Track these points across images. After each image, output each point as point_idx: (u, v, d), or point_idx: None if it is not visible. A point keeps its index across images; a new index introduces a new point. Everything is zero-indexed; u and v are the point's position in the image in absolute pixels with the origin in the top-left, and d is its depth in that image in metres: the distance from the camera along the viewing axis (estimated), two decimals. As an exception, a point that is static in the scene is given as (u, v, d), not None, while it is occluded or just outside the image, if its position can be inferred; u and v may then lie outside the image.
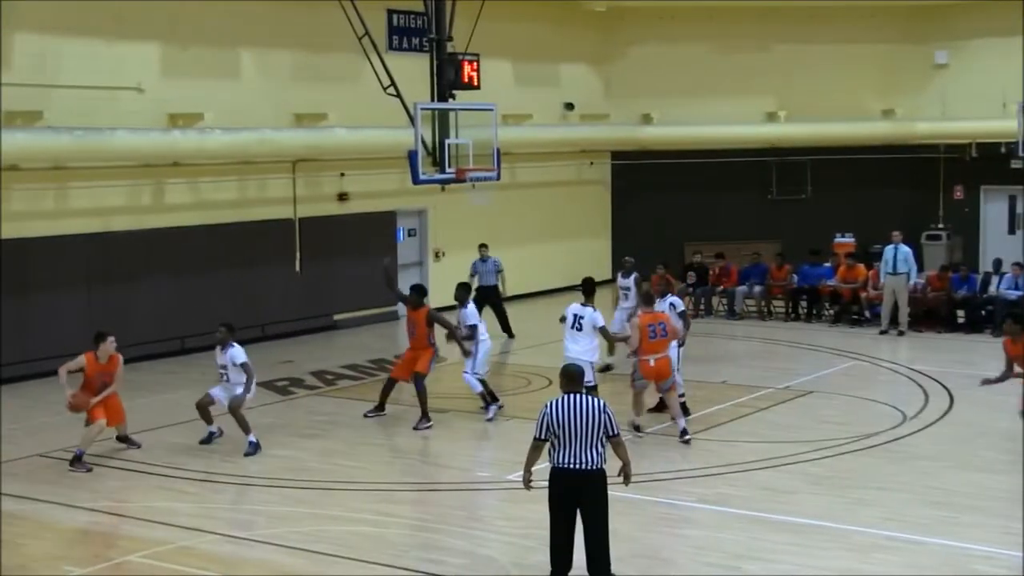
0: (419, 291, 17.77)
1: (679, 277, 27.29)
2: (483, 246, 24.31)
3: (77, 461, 14.95)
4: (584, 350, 16.34)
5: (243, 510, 13.27)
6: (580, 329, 16.50)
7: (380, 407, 17.64)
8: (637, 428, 16.20)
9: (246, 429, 15.72)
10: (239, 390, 15.80)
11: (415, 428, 16.86)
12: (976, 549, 11.77)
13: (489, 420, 17.24)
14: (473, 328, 17.55)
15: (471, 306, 17.99)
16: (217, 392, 16.07)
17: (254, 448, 15.56)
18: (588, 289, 17.52)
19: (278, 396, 19.32)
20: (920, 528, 12.42)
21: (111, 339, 15.53)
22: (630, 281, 20.73)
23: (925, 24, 32.39)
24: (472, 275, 23.82)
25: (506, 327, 24.31)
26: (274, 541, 12.26)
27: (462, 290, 18.05)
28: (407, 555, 11.87)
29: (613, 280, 21.37)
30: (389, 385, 17.73)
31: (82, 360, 15.45)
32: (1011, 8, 29.90)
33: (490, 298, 24.01)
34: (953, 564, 11.41)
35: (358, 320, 25.87)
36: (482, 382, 17.49)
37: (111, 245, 21.69)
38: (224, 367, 16.03)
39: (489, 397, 17.56)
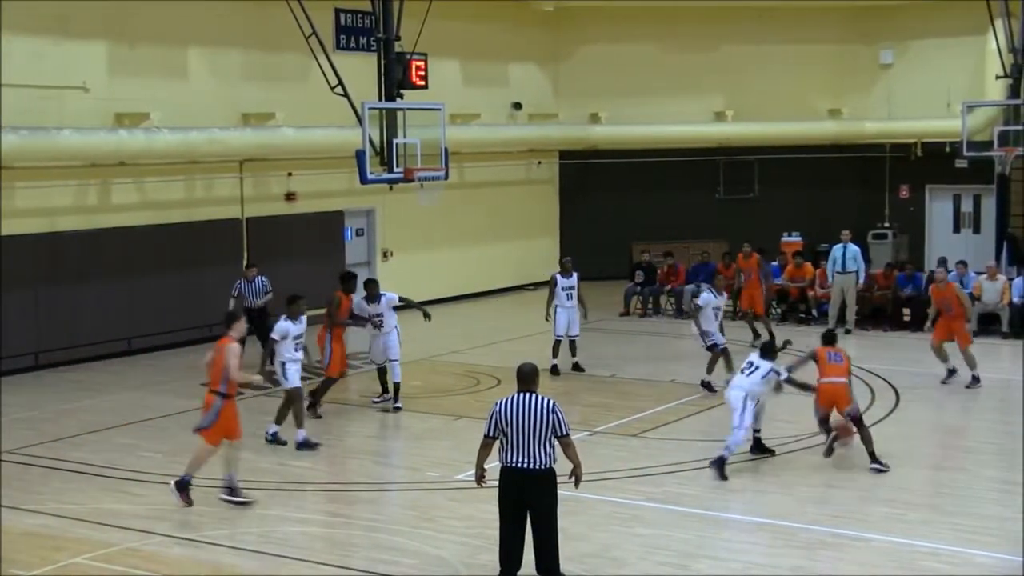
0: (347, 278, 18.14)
1: (627, 276, 27.44)
2: (251, 265, 21.80)
3: (184, 488, 13.14)
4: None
5: (192, 511, 13.16)
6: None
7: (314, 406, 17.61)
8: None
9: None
10: (393, 338, 17.86)
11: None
12: (923, 546, 11.89)
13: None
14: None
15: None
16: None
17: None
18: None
19: (226, 397, 19.16)
20: (868, 525, 12.53)
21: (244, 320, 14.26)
22: (573, 281, 20.69)
23: (871, 24, 32.67)
24: (235, 296, 21.17)
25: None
26: (223, 542, 12.18)
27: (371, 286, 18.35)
28: (357, 555, 11.84)
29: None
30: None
31: (239, 348, 13.56)
32: (955, 8, 30.22)
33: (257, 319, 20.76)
34: (901, 561, 11.53)
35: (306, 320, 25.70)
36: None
37: (57, 245, 21.46)
38: (380, 315, 17.86)
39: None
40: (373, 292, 18.10)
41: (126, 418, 17.59)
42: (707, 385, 18.84)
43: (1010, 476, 14.76)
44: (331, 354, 17.50)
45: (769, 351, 15.21)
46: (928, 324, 20.37)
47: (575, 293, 20.56)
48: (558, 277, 20.58)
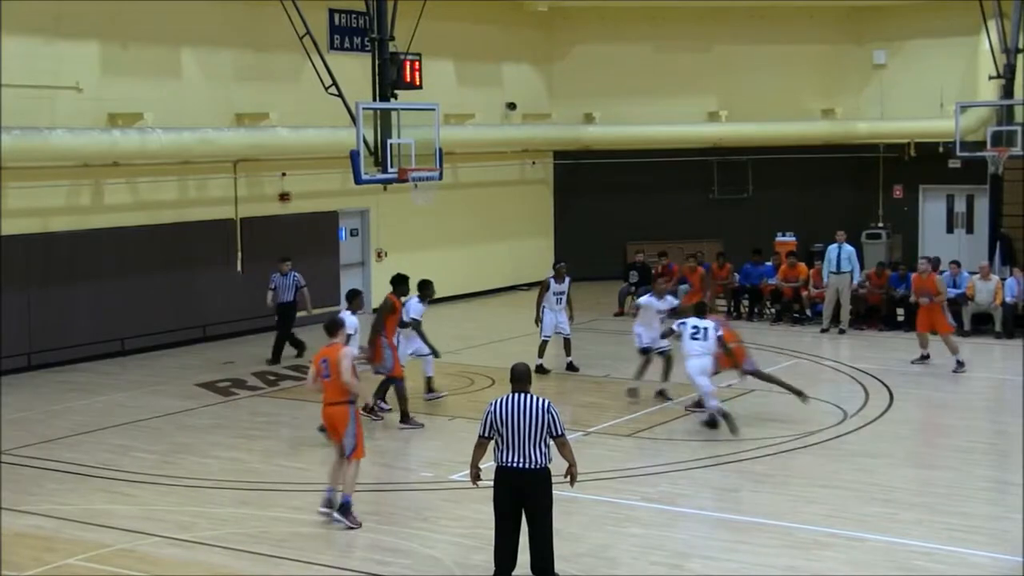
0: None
1: (622, 276, 27.44)
2: (285, 259, 22.26)
3: (348, 511, 12.59)
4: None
5: (185, 512, 13.15)
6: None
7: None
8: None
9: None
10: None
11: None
12: (917, 545, 11.90)
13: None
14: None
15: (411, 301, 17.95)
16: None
17: None
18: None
19: (220, 397, 19.18)
20: (861, 525, 12.54)
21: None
22: (564, 287, 20.49)
23: (864, 25, 32.72)
24: (271, 290, 22.10)
25: (289, 344, 22.33)
26: (217, 543, 12.17)
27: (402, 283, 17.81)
28: (351, 555, 11.84)
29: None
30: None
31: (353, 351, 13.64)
32: (948, 9, 30.27)
33: (286, 313, 22.20)
34: (894, 560, 11.53)
35: (300, 320, 25.67)
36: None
37: (50, 246, 21.43)
38: (561, 293, 19.68)
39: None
40: (357, 304, 17.59)
41: (119, 419, 17.56)
42: (662, 394, 18.40)
43: (1002, 475, 14.84)
44: (391, 354, 17.18)
45: (703, 310, 17.18)
46: (919, 301, 21.23)
47: (564, 298, 20.47)
48: (551, 282, 20.49)
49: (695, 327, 16.60)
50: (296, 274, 22.06)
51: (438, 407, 18.16)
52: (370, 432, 17.08)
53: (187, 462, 15.26)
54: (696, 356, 16.51)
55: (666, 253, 27.73)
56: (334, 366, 12.75)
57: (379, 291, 26.65)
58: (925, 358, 20.91)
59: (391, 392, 17.35)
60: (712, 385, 16.59)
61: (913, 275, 21.86)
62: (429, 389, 18.58)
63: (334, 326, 13.30)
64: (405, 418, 17.07)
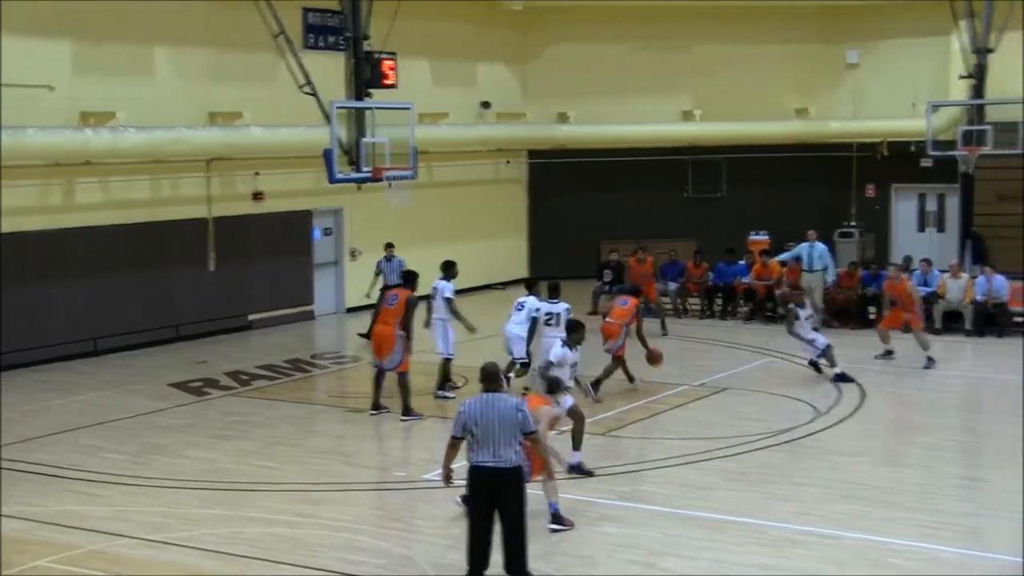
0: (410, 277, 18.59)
1: (596, 275, 27.42)
2: (389, 245, 23.96)
3: (560, 518, 12.45)
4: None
5: (157, 512, 13.10)
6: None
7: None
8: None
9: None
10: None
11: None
12: (889, 542, 11.95)
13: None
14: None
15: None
16: None
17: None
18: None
19: (192, 397, 19.11)
20: (834, 522, 12.59)
21: None
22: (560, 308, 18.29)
23: (837, 24, 32.83)
24: (377, 274, 23.66)
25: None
26: (189, 544, 12.12)
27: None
28: (324, 555, 11.80)
29: (524, 281, 21.07)
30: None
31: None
32: (920, 9, 30.40)
33: None
34: (867, 557, 11.58)
35: (273, 320, 25.67)
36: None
37: (22, 245, 21.30)
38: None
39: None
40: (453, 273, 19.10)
41: (92, 419, 17.48)
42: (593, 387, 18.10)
43: (972, 472, 14.95)
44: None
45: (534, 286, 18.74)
46: (885, 312, 21.70)
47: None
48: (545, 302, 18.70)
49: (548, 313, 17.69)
50: (400, 259, 23.05)
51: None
52: (345, 432, 17.08)
53: (159, 462, 15.20)
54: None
55: (645, 248, 27.30)
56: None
57: (352, 290, 26.81)
58: (889, 354, 21.13)
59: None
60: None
61: (885, 282, 22.00)
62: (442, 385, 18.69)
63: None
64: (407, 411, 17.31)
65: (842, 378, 19.28)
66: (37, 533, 12.51)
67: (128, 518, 12.93)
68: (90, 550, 11.92)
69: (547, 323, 17.67)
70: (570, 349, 14.97)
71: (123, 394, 19.27)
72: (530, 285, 19.32)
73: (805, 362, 20.13)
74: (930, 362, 20.49)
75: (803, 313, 19.80)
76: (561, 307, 17.75)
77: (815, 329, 19.91)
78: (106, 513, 13.14)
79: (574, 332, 15.18)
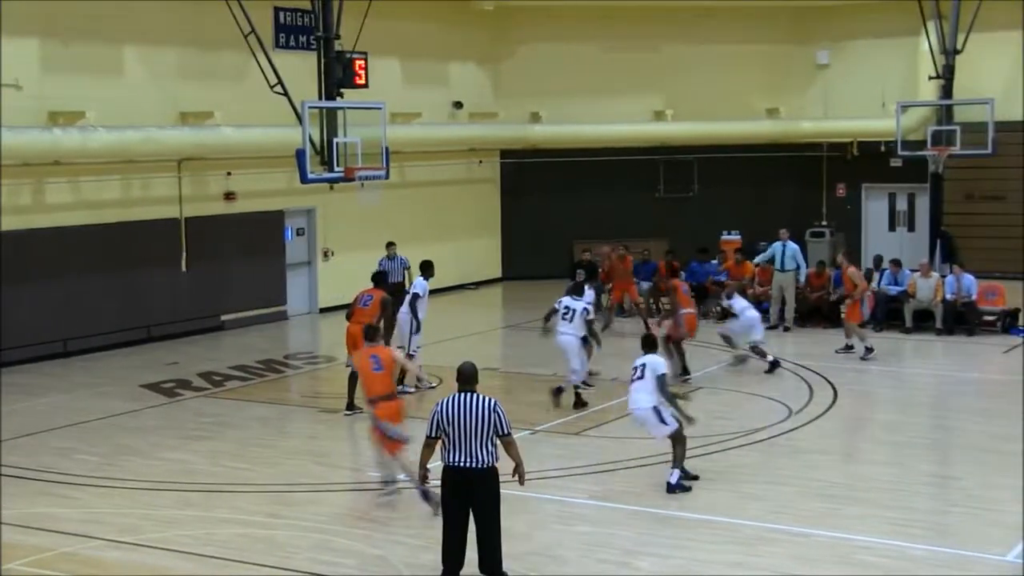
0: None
1: (568, 275, 27.41)
2: (391, 244, 23.68)
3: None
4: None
5: (130, 514, 13.04)
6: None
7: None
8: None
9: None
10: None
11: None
12: (860, 540, 12.02)
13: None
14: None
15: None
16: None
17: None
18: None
19: (164, 398, 19.03)
20: (806, 520, 12.65)
21: None
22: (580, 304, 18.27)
23: (807, 25, 32.98)
24: (381, 270, 23.40)
25: None
26: (162, 545, 12.07)
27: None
28: (298, 556, 11.78)
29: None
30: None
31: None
32: (889, 10, 30.59)
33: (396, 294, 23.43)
34: (838, 555, 11.64)
35: (245, 320, 25.59)
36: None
37: (-10, 246, 21.19)
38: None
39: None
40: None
41: (61, 421, 17.39)
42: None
43: (942, 470, 15.06)
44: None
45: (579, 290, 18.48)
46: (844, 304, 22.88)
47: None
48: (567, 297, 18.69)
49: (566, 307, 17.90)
50: (402, 257, 23.17)
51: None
52: (318, 433, 17.05)
53: (131, 464, 15.14)
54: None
55: (626, 247, 27.18)
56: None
57: (325, 290, 26.78)
58: (849, 348, 21.68)
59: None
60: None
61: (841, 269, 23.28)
62: (401, 381, 18.32)
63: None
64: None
65: (770, 362, 20.14)
66: (7, 536, 12.42)
67: (100, 520, 12.88)
68: (61, 552, 11.87)
69: (563, 317, 17.93)
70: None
71: (94, 396, 19.18)
72: (575, 289, 18.67)
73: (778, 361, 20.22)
74: (868, 352, 21.16)
75: (737, 305, 20.53)
76: (580, 304, 17.94)
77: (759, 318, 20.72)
78: (78, 515, 13.07)
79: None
